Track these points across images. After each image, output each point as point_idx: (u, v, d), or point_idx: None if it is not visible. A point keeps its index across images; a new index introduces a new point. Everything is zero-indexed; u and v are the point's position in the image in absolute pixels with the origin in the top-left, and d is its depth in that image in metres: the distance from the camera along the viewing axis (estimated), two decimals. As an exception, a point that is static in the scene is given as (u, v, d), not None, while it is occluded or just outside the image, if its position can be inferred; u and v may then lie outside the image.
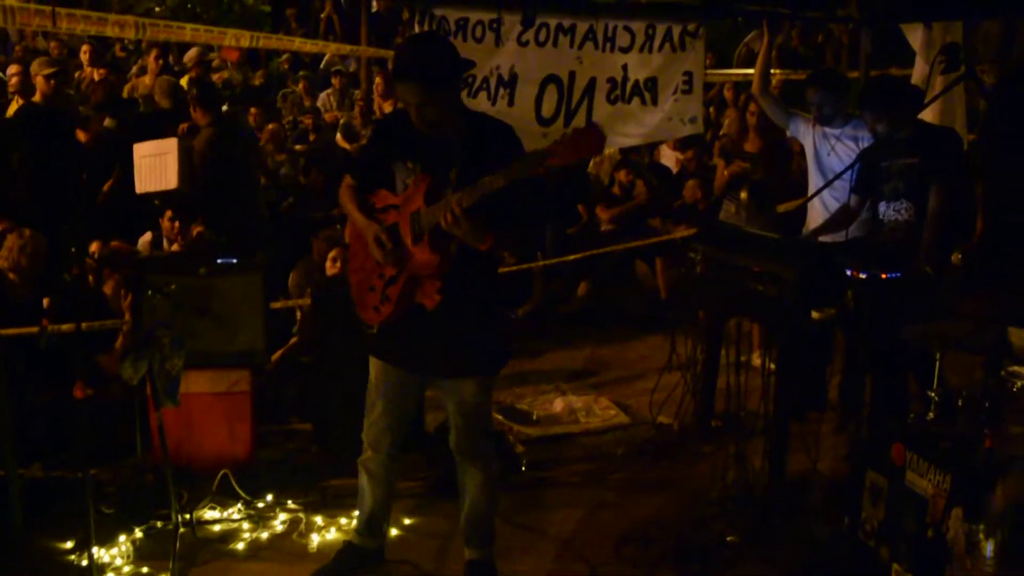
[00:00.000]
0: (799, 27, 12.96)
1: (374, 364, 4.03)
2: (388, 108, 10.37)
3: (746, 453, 5.10)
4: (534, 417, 6.09)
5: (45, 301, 5.87)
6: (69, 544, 4.49)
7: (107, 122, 8.29)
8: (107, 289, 6.27)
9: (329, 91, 12.18)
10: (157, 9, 14.40)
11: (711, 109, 11.06)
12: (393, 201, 3.81)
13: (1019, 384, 3.93)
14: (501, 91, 5.99)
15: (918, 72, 6.96)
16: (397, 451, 4.14)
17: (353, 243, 4.07)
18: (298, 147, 10.39)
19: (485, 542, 4.18)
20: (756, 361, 6.24)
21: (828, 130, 5.91)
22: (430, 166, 3.69)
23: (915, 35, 7.04)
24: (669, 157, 9.85)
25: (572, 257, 7.93)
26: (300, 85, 12.80)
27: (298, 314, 6.63)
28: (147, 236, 7.18)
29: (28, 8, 5.53)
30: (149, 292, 5.17)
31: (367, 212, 3.87)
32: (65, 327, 5.11)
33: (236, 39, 8.42)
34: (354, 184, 3.97)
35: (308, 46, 10.97)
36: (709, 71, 11.61)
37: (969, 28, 7.90)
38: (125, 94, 10.04)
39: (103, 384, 5.45)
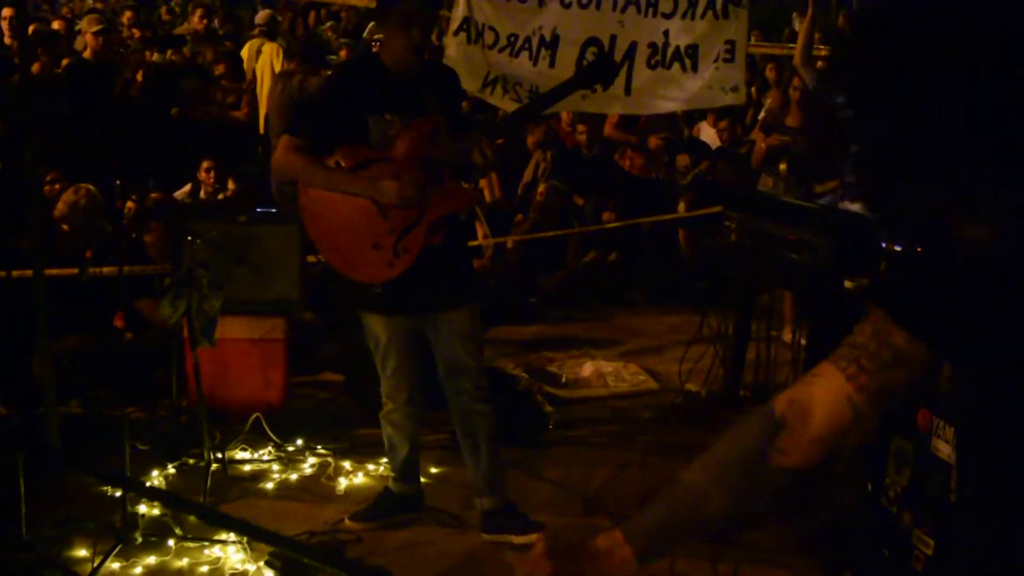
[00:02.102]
0: (845, 9, 12.86)
1: (377, 322, 4.01)
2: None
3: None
4: (563, 379, 6.13)
5: (87, 252, 5.97)
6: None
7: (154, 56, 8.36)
8: (148, 238, 6.37)
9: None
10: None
11: (752, 89, 11.00)
12: (373, 155, 3.76)
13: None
14: (543, 52, 6.00)
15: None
16: (416, 399, 4.17)
17: (325, 207, 3.83)
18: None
19: (502, 486, 4.21)
20: (787, 337, 6.23)
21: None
22: (412, 112, 3.74)
23: None
24: (709, 133, 9.82)
25: (608, 226, 7.95)
26: (343, 52, 12.85)
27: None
28: (186, 188, 7.27)
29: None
30: (189, 238, 5.24)
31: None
32: (107, 269, 5.21)
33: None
34: (303, 145, 3.76)
35: None
36: (752, 45, 11.60)
37: None
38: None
39: (142, 329, 5.55)
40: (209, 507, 4.17)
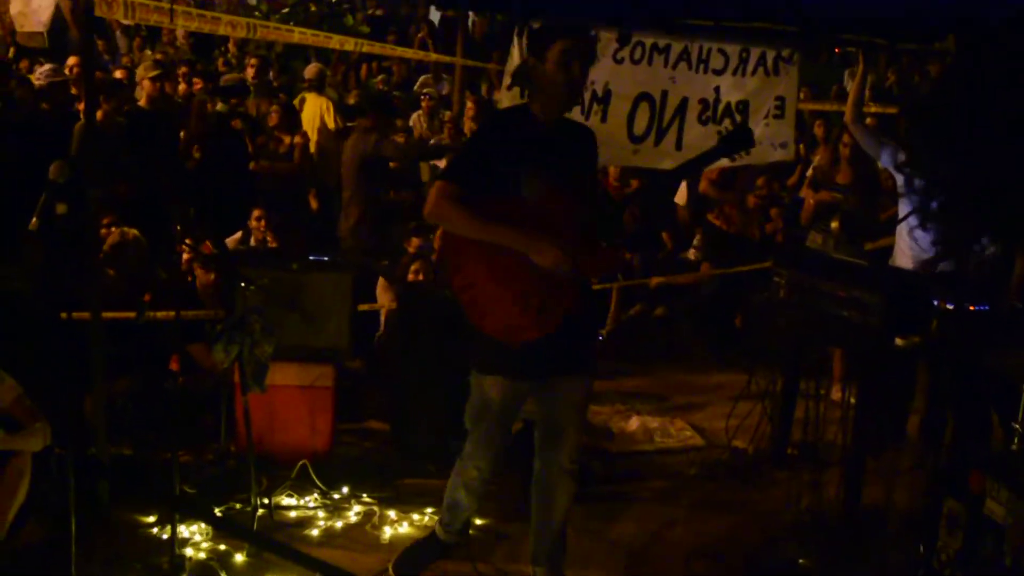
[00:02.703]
0: (895, 67, 12.86)
1: (498, 384, 3.79)
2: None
3: (821, 481, 5.07)
4: (612, 433, 6.11)
5: (146, 296, 6.06)
6: (152, 519, 4.63)
7: (219, 106, 8.55)
8: (200, 285, 6.46)
9: (419, 112, 12.40)
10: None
11: (801, 146, 11.02)
12: (527, 210, 3.57)
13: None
14: (595, 106, 6.06)
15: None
16: (494, 467, 4.02)
17: (472, 258, 3.64)
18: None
19: (561, 562, 4.10)
20: (836, 395, 6.18)
21: (922, 162, 5.85)
22: (564, 169, 3.63)
23: None
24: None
25: (653, 281, 7.95)
26: (394, 105, 13.06)
27: (382, 318, 6.76)
28: (236, 235, 7.38)
29: (147, 3, 5.77)
30: (243, 284, 5.32)
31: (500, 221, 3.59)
32: (161, 314, 5.30)
33: (341, 44, 8.66)
34: (458, 192, 3.58)
35: (407, 53, 11.19)
36: (801, 101, 11.63)
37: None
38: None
39: (194, 374, 5.62)
40: (267, 539, 4.20)
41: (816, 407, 5.26)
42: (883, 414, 5.64)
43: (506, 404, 3.84)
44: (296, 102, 9.82)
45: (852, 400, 5.09)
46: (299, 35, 7.80)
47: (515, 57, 6.21)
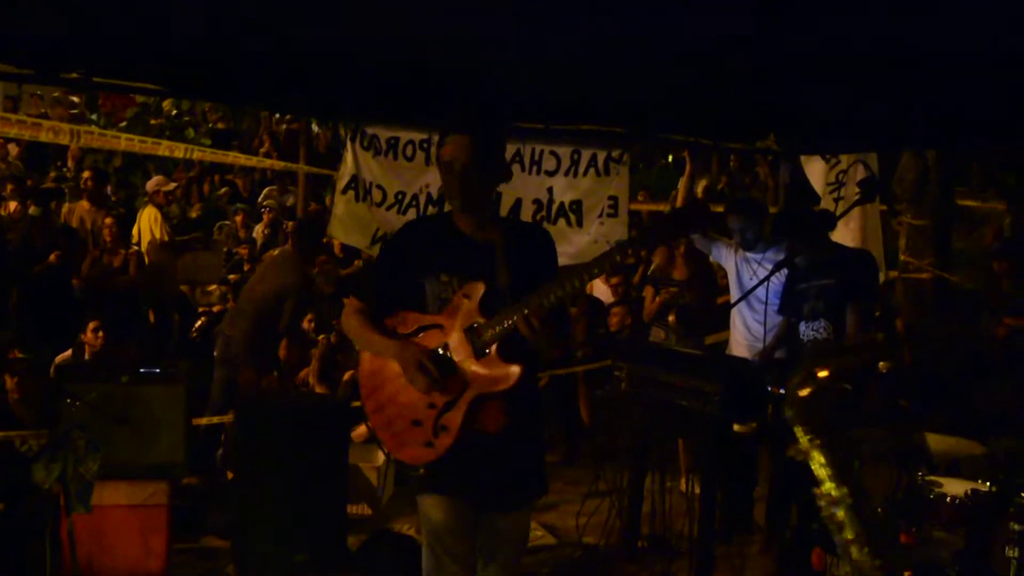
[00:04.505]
0: (727, 172, 13.43)
1: (431, 502, 3.36)
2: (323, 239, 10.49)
3: (672, 571, 5.07)
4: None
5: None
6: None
7: (32, 210, 8.26)
8: (11, 400, 6.13)
9: (261, 224, 12.32)
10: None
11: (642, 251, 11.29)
12: (430, 321, 3.34)
13: (935, 491, 3.99)
14: (430, 208, 6.10)
15: (824, 205, 7.17)
16: None
17: (373, 376, 3.45)
18: (232, 276, 10.41)
19: None
20: (683, 485, 6.25)
21: (750, 255, 6.07)
22: (471, 274, 3.31)
23: (813, 169, 7.25)
24: (602, 290, 10.00)
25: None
26: (238, 217, 12.90)
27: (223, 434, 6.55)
28: (66, 353, 7.06)
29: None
30: (68, 400, 5.08)
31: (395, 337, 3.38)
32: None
33: (170, 150, 8.52)
34: (365, 308, 3.43)
35: (243, 160, 11.09)
36: (639, 203, 12.00)
37: (884, 167, 8.25)
38: (62, 219, 10.05)
39: (13, 497, 5.29)
40: None
41: (662, 498, 5.30)
42: (729, 501, 5.73)
43: (450, 520, 3.34)
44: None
45: (696, 490, 5.15)
46: (125, 142, 7.64)
47: (348, 162, 6.22)
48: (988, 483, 3.90)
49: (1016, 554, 3.37)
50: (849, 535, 2.13)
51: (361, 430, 6.57)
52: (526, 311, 3.11)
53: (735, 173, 13.34)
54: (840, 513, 2.15)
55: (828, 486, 2.15)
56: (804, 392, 2.19)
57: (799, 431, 2.18)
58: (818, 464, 2.17)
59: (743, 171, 13.20)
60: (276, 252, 7.82)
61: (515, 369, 3.21)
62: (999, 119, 5.50)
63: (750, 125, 6.56)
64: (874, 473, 4.18)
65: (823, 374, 2.18)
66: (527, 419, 3.38)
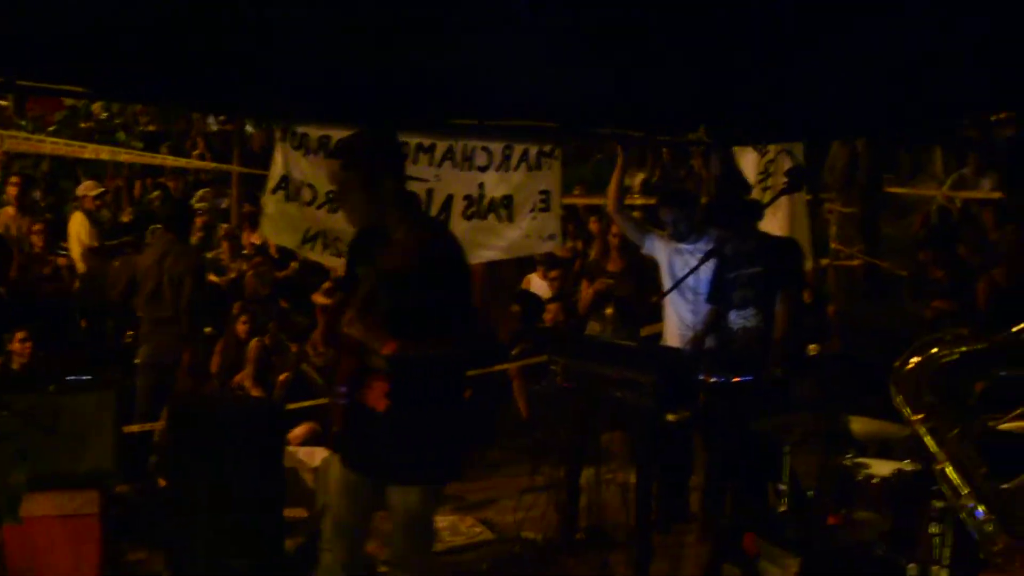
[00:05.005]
0: (660, 165, 13.53)
1: (333, 464, 3.94)
2: (257, 241, 10.40)
3: (612, 564, 5.10)
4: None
5: None
6: None
7: None
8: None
9: (195, 226, 12.16)
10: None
11: (579, 243, 11.37)
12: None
13: (863, 472, 4.05)
14: (359, 206, 6.07)
15: (755, 195, 7.26)
16: (353, 567, 3.89)
17: None
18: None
19: None
20: (620, 477, 6.27)
21: (682, 246, 6.12)
22: (371, 265, 3.74)
23: (746, 160, 7.35)
24: (539, 284, 10.02)
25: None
26: (170, 221, 12.71)
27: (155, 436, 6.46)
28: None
29: None
30: (-8, 410, 4.97)
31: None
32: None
33: (96, 153, 8.39)
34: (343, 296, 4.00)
35: (171, 161, 10.95)
36: (576, 196, 12.04)
37: (812, 156, 8.36)
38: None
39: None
40: None
41: (598, 490, 5.32)
42: (666, 490, 5.78)
43: (341, 488, 3.83)
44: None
45: (631, 480, 5.18)
46: (51, 145, 7.49)
47: (278, 161, 6.17)
48: (912, 463, 3.97)
49: (939, 530, 3.43)
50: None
51: (298, 432, 6.53)
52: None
53: (669, 166, 13.44)
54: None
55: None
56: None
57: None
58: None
59: (677, 164, 13.30)
60: (151, 248, 7.59)
61: (352, 362, 3.65)
62: (925, 108, 5.61)
63: (681, 118, 6.62)
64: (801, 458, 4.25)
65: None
66: (416, 404, 3.65)
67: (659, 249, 6.27)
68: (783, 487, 4.25)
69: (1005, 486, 2.24)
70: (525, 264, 9.76)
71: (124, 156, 9.14)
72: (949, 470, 2.17)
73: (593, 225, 11.38)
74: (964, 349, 2.20)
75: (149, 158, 10.60)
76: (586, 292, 7.75)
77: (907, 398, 2.23)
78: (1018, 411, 3.87)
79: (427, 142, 6.26)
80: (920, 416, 2.21)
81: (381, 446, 3.69)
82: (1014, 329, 2.15)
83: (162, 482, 6.06)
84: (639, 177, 13.16)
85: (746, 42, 4.38)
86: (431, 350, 3.61)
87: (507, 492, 6.76)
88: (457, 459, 3.91)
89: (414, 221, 3.79)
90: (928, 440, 2.18)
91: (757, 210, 5.60)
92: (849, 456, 4.06)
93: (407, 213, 3.77)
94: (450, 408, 3.77)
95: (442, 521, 6.15)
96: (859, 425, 4.10)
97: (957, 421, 2.16)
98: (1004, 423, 3.82)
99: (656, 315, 7.05)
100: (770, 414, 4.65)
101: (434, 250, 3.70)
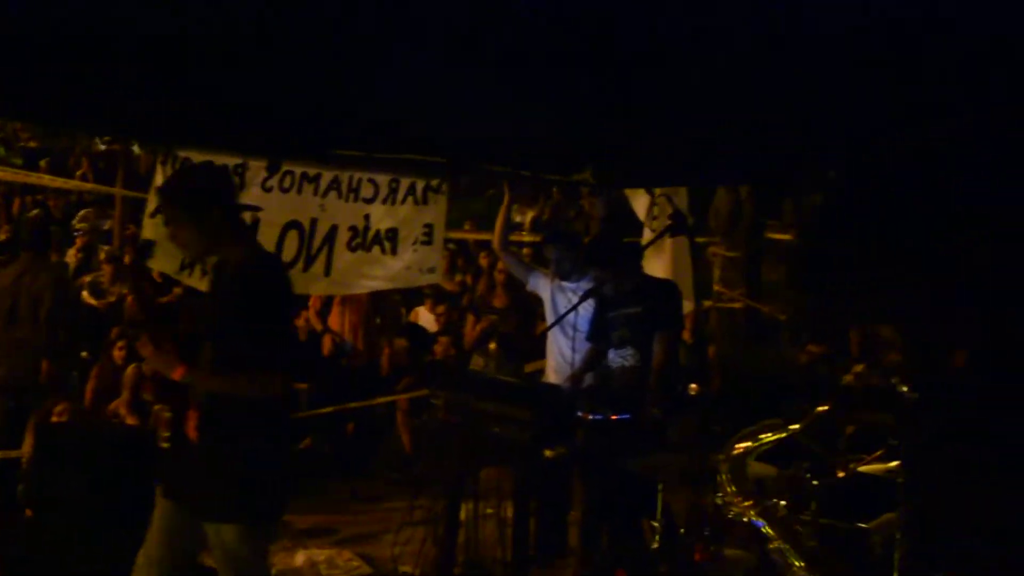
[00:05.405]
0: (551, 204, 13.70)
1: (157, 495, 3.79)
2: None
3: (488, 599, 5.10)
4: (273, 573, 5.86)
5: None
6: None
7: None
8: None
9: (74, 248, 11.84)
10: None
11: (468, 277, 11.42)
12: None
13: (734, 511, 4.15)
14: (240, 234, 6.00)
15: (646, 236, 7.41)
16: None
17: None
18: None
19: None
20: (500, 512, 6.29)
21: (565, 284, 6.21)
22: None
23: (639, 202, 7.51)
24: (426, 318, 10.03)
25: (325, 410, 7.85)
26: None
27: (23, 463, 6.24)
28: None
29: None
30: None
31: None
32: None
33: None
34: None
35: (47, 180, 10.64)
36: (466, 232, 12.10)
37: (697, 199, 8.56)
38: None
39: None
40: None
41: (475, 525, 5.32)
42: (544, 525, 5.81)
43: (156, 517, 3.72)
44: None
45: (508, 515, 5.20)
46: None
47: (159, 184, 6.07)
48: (780, 502, 4.08)
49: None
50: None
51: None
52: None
53: (559, 205, 13.63)
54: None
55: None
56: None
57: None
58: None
59: (568, 203, 13.50)
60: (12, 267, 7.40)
61: (177, 371, 3.55)
62: (809, 156, 5.78)
63: (569, 158, 6.71)
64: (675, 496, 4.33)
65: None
66: (230, 440, 3.57)
67: (543, 286, 6.35)
68: (656, 524, 4.32)
69: (865, 526, 2.33)
70: (412, 297, 9.78)
71: (1, 174, 8.83)
72: (786, 548, 2.26)
73: (483, 260, 11.46)
74: (773, 437, 2.32)
75: (24, 176, 10.28)
76: (471, 328, 7.77)
77: (737, 487, 2.32)
78: (878, 453, 4.02)
79: (312, 171, 6.25)
80: (749, 503, 2.30)
81: (192, 478, 3.63)
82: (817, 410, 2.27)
83: (28, 512, 5.84)
84: (529, 215, 13.31)
85: (634, 87, 4.48)
86: (228, 380, 3.55)
87: (387, 526, 6.69)
88: (275, 499, 3.69)
89: (242, 251, 3.75)
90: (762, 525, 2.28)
91: (637, 252, 5.71)
92: (719, 495, 4.16)
93: (236, 243, 3.75)
94: (265, 444, 3.62)
95: (320, 555, 6.10)
96: (756, 469, 4.20)
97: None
98: (865, 465, 3.96)
99: (540, 351, 7.12)
100: (646, 453, 4.74)
101: (250, 281, 3.64)
